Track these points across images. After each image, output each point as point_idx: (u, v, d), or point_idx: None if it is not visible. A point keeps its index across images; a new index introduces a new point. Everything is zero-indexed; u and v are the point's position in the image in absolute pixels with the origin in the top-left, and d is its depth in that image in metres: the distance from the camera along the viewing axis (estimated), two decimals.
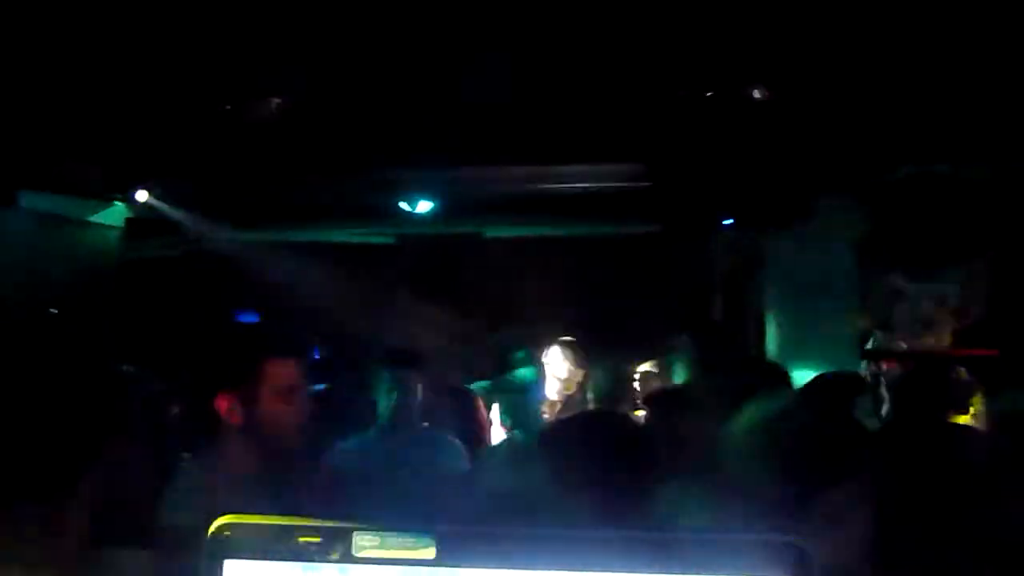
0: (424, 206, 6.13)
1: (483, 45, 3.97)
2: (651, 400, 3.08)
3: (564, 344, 5.79)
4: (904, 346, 4.92)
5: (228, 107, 4.54)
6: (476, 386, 5.94)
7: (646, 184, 4.63)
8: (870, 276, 4.78)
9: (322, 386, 4.38)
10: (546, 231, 6.48)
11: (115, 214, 5.92)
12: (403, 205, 6.11)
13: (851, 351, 4.53)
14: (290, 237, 7.03)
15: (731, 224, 4.45)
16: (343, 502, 3.19)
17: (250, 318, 5.36)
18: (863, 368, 4.51)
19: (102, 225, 5.85)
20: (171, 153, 5.18)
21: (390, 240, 7.04)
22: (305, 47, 4.01)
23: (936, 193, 4.65)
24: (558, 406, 4.49)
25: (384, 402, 3.30)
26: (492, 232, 6.66)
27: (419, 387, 3.39)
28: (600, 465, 1.85)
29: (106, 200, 5.74)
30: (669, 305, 5.62)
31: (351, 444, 3.34)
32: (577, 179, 5.24)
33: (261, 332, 3.27)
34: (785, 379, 2.75)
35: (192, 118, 4.63)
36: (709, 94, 4.08)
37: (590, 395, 4.67)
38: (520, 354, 5.98)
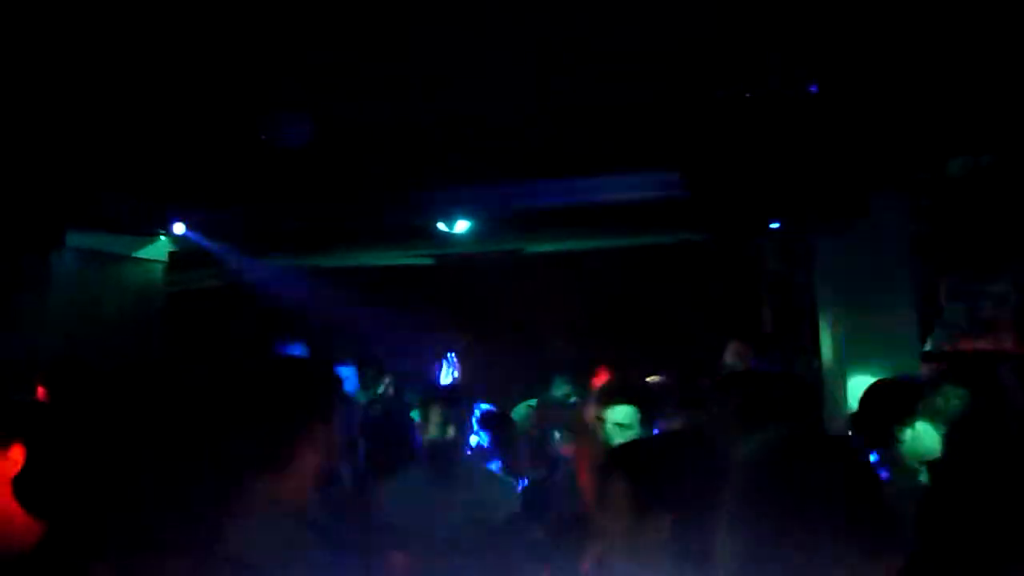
0: (462, 225, 6.09)
1: (513, 58, 3.93)
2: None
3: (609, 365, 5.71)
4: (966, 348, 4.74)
5: (263, 135, 4.55)
6: (523, 405, 5.90)
7: (688, 192, 4.53)
8: (927, 276, 4.63)
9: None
10: (588, 245, 6.39)
11: (159, 249, 5.99)
12: (441, 226, 6.08)
13: (910, 353, 4.37)
14: (329, 263, 7.04)
15: (779, 228, 4.33)
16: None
17: (295, 350, 5.33)
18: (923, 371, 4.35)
19: (147, 260, 5.91)
20: (208, 185, 5.22)
21: (430, 261, 7.02)
22: (336, 71, 4.00)
23: (992, 188, 4.49)
24: None
25: (436, 436, 3.24)
26: (533, 248, 6.59)
27: (466, 423, 3.33)
28: (687, 488, 1.78)
29: (149, 235, 5.81)
30: (719, 315, 5.50)
31: (400, 484, 3.27)
32: (617, 190, 5.16)
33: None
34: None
35: (227, 148, 4.65)
36: (748, 95, 3.98)
37: None
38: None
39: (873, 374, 3.72)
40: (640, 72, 4.02)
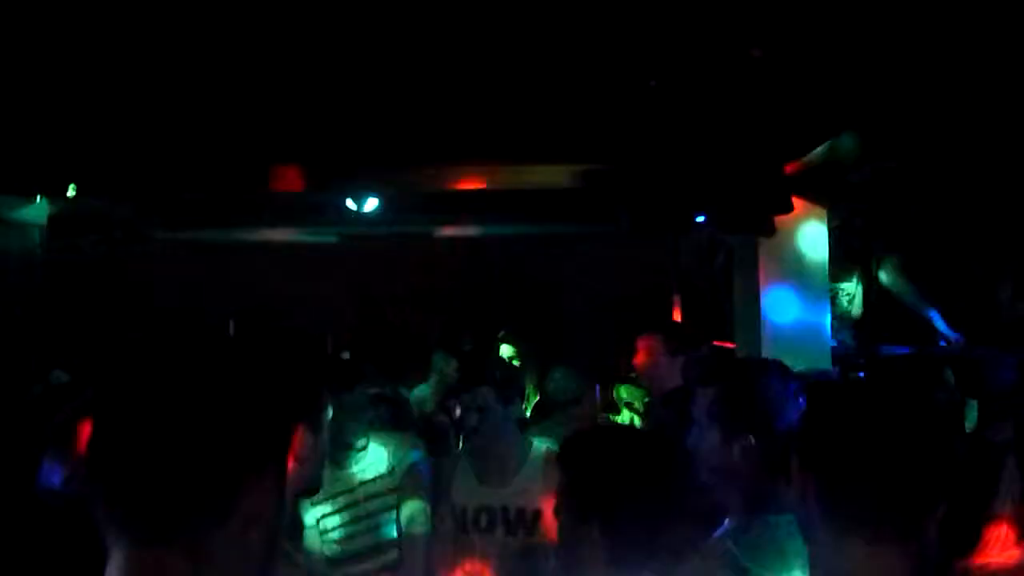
0: (371, 204, 5.89)
1: (434, 42, 3.81)
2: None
3: (506, 337, 5.67)
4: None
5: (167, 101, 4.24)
6: (419, 390, 5.81)
7: (614, 183, 4.52)
8: (840, 276, 4.78)
9: None
10: (501, 230, 6.30)
11: (37, 212, 5.52)
12: (349, 203, 5.86)
13: (825, 352, 4.50)
14: (226, 237, 6.67)
15: (703, 222, 4.36)
16: None
17: None
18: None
19: (23, 223, 5.44)
20: (103, 150, 4.84)
21: (333, 239, 6.76)
22: (244, 42, 3.77)
23: (895, 192, 4.67)
24: None
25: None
26: (443, 232, 6.44)
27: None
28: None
29: (28, 197, 5.34)
30: (633, 305, 5.51)
31: None
32: (536, 177, 5.08)
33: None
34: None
35: (127, 114, 4.32)
36: (678, 86, 3.98)
37: (547, 395, 4.56)
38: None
39: None
40: (566, 59, 3.96)
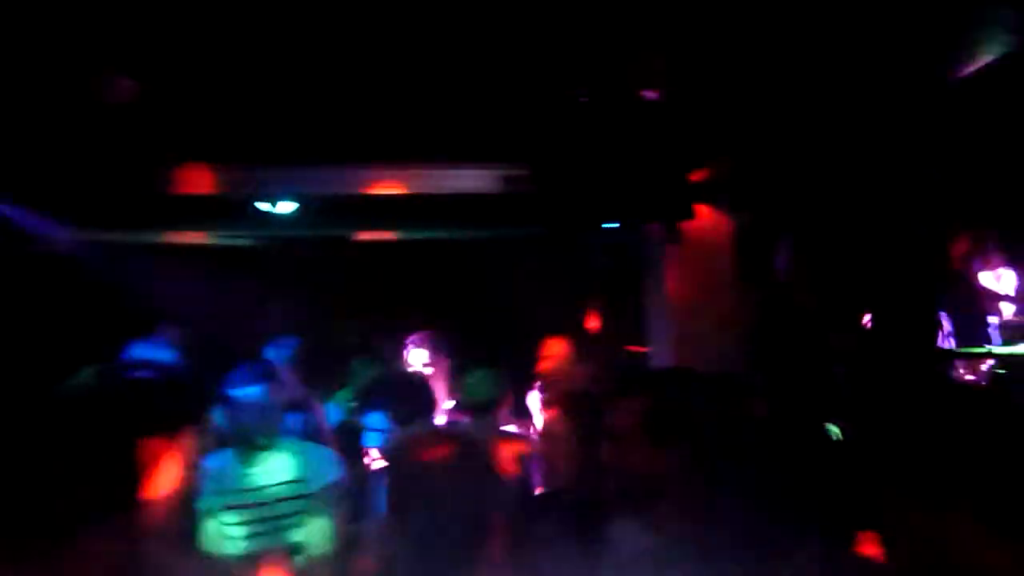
0: (285, 206, 5.79)
1: (351, 45, 3.79)
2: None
3: (421, 339, 5.64)
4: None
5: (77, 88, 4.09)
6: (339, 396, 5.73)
7: (525, 187, 4.56)
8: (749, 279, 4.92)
9: None
10: (421, 234, 6.29)
11: None
12: (263, 205, 5.75)
13: (734, 357, 4.63)
14: (138, 238, 6.47)
15: (613, 227, 4.45)
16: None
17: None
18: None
19: None
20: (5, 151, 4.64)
21: (249, 242, 6.63)
22: (159, 28, 3.68)
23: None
24: None
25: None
26: (360, 235, 6.39)
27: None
28: None
29: None
30: (548, 308, 5.56)
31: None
32: (454, 181, 5.11)
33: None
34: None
35: (34, 104, 4.16)
36: (592, 95, 4.06)
37: (464, 399, 4.56)
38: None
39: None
40: (484, 66, 4.00)
